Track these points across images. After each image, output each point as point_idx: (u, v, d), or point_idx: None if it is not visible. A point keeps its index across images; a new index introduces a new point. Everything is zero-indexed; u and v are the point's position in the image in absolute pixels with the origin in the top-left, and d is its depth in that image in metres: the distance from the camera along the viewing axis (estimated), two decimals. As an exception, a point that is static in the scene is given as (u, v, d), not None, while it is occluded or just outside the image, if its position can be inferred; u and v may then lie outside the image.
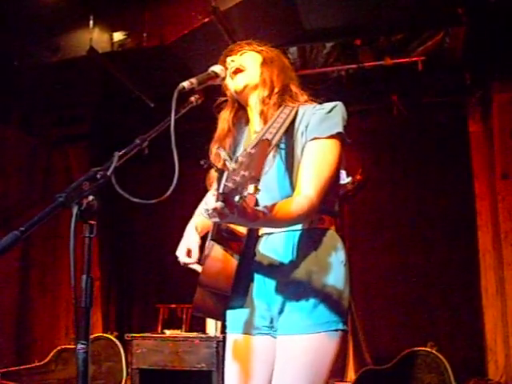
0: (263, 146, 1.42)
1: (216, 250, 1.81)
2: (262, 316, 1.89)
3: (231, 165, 1.40)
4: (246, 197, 1.34)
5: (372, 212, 5.81)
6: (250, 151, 1.39)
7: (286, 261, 1.84)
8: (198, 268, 1.91)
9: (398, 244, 5.71)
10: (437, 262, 5.57)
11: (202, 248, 1.97)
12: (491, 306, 5.19)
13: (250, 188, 1.31)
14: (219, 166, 1.59)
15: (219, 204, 1.34)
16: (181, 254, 1.98)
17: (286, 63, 2.08)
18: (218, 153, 1.87)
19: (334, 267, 1.82)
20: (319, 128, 1.83)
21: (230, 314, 1.96)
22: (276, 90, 1.95)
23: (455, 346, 5.30)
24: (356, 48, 5.11)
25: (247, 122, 2.08)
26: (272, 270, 1.86)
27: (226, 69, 1.99)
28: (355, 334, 5.27)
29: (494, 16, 4.37)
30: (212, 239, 1.80)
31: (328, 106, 1.88)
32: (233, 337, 1.97)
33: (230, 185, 1.33)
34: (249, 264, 1.88)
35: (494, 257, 5.21)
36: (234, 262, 1.80)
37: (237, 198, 1.33)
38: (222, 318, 1.97)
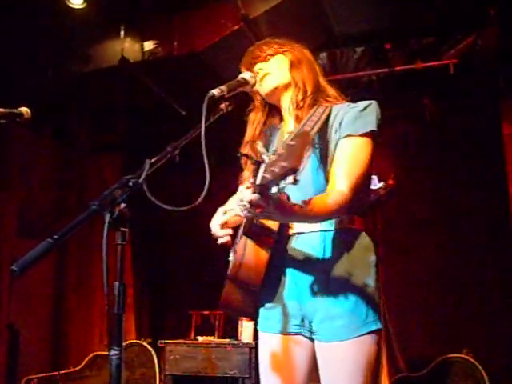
0: (303, 137, 1.38)
1: (247, 244, 1.79)
2: (293, 315, 1.88)
3: (269, 157, 1.37)
4: (283, 188, 1.33)
5: (404, 217, 5.75)
6: (289, 143, 1.36)
7: (319, 260, 1.84)
8: (227, 239, 1.93)
9: (432, 248, 5.63)
10: (473, 265, 5.48)
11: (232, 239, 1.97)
12: (530, 311, 5.08)
13: (289, 179, 1.29)
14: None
15: (255, 196, 1.33)
16: (214, 225, 1.98)
17: (310, 58, 2.07)
18: (248, 153, 1.89)
19: (366, 267, 1.86)
20: (353, 125, 1.84)
21: (260, 312, 1.95)
22: (309, 92, 1.96)
23: (492, 353, 5.19)
24: (386, 52, 5.07)
25: (280, 121, 2.09)
26: (304, 269, 1.86)
27: (256, 74, 2.00)
28: (389, 341, 5.20)
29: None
30: (244, 233, 1.79)
31: (362, 104, 1.89)
32: (265, 336, 1.96)
33: (267, 176, 1.31)
34: (279, 262, 1.88)
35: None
36: (264, 256, 1.78)
37: (274, 190, 1.32)
38: (251, 315, 1.97)
